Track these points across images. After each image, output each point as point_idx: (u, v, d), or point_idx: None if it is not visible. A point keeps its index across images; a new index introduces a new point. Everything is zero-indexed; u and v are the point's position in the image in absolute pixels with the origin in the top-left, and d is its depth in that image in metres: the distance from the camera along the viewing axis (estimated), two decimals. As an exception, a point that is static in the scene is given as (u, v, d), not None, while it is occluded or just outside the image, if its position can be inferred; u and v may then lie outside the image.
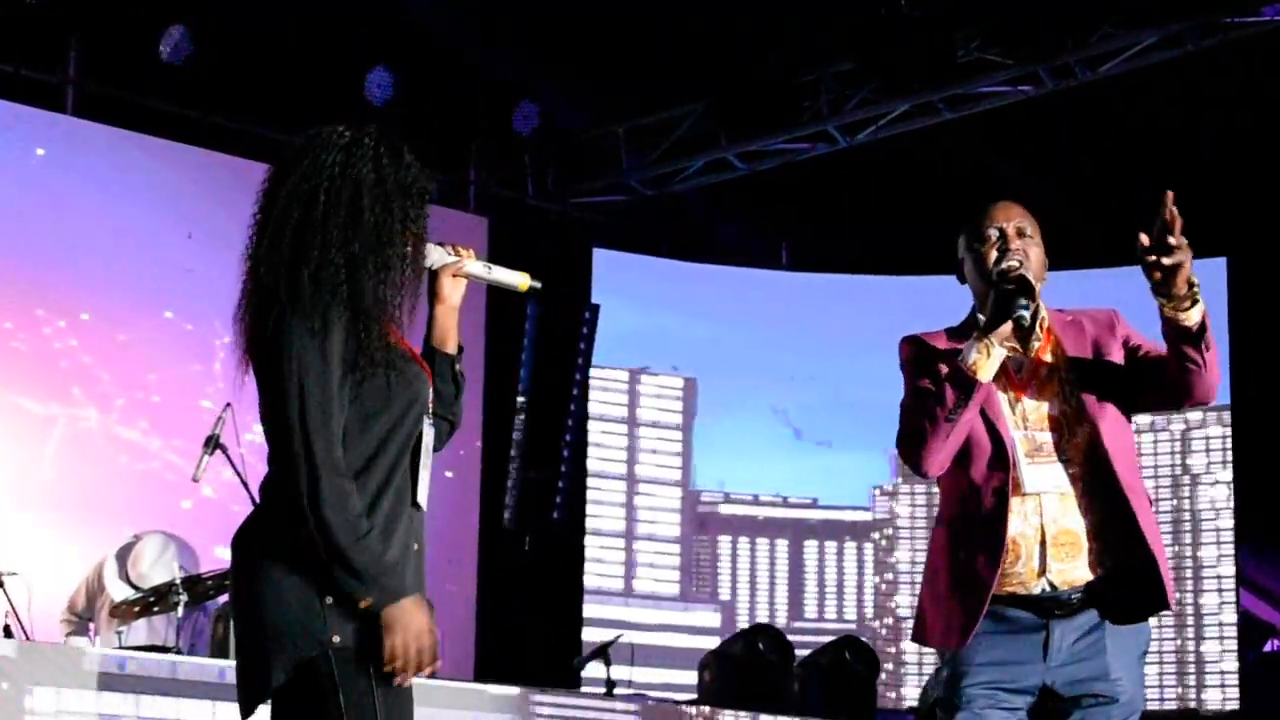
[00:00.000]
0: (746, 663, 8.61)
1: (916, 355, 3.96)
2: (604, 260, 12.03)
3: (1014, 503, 3.81)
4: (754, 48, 10.50)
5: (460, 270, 3.56)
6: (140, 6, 9.76)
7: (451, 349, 3.56)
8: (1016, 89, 10.38)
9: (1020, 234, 3.91)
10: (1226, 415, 11.34)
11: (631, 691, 9.19)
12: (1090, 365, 3.89)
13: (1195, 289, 3.64)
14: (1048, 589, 3.80)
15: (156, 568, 7.40)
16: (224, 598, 6.91)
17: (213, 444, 7.39)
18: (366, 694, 3.13)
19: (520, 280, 3.65)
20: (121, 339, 9.89)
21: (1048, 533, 3.81)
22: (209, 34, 9.89)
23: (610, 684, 8.64)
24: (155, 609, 6.84)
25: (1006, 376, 3.88)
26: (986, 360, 3.78)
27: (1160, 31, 9.80)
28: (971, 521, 3.86)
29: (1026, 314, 3.77)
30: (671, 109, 11.22)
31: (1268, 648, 11.99)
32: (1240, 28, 9.67)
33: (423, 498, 3.33)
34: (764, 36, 10.48)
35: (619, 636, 9.40)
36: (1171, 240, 3.57)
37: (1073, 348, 3.91)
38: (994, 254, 3.90)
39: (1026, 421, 3.87)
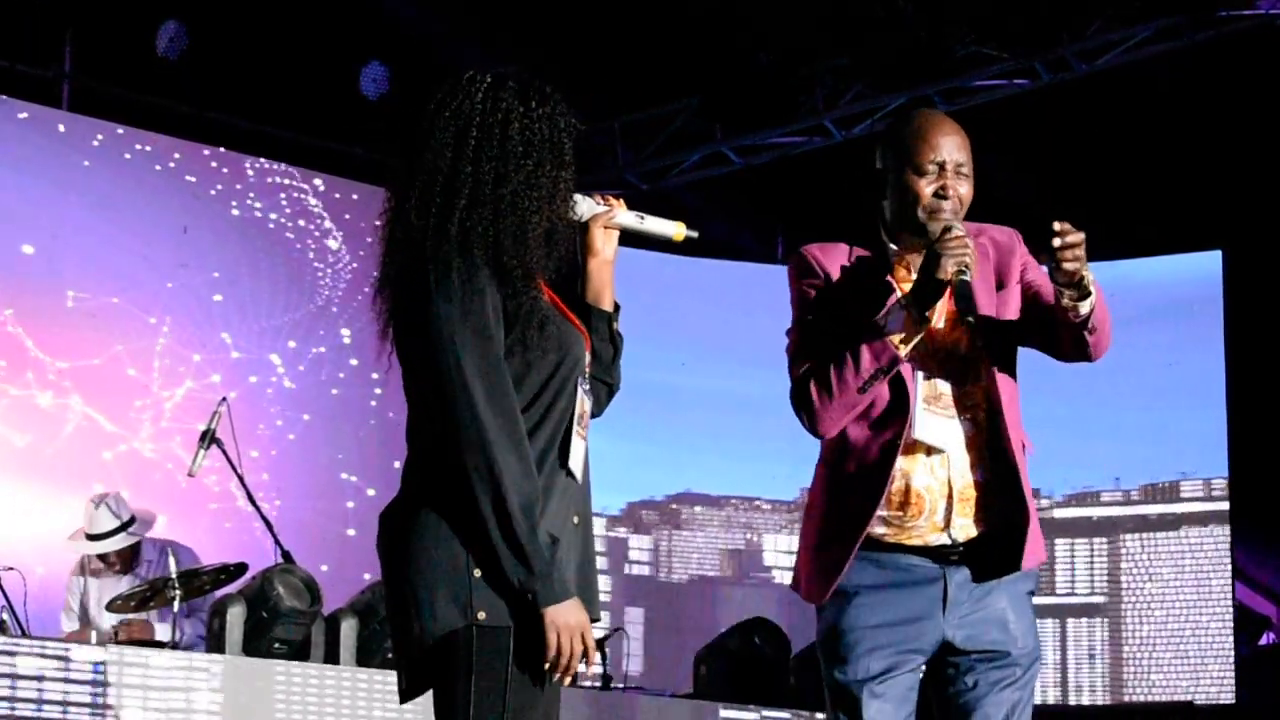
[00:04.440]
0: (742, 656, 8.59)
1: (817, 287, 3.78)
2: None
3: (919, 455, 3.62)
4: (749, 42, 10.49)
5: (612, 221, 3.38)
6: (135, 1, 9.75)
7: (607, 306, 3.36)
8: (1012, 82, 10.38)
9: (958, 171, 3.69)
10: (1223, 407, 11.32)
11: (628, 685, 9.18)
12: (994, 300, 3.69)
13: (1088, 284, 3.55)
14: (947, 544, 3.64)
15: (98, 517, 7.40)
16: (221, 592, 6.90)
17: (208, 438, 7.38)
18: (499, 679, 3.02)
19: (675, 230, 3.43)
20: (117, 333, 9.88)
21: (955, 487, 3.62)
22: (204, 29, 9.89)
23: (606, 678, 8.63)
24: (151, 603, 6.83)
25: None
26: (915, 334, 3.58)
27: (1156, 24, 9.80)
28: (855, 468, 3.65)
29: (971, 307, 3.56)
30: (666, 104, 11.21)
31: (1263, 641, 12.00)
32: (1236, 20, 9.67)
33: (576, 466, 3.18)
34: (759, 30, 10.47)
35: (617, 630, 9.39)
36: (1075, 242, 3.49)
37: (980, 278, 3.65)
38: (929, 191, 3.69)
39: (933, 361, 3.66)
